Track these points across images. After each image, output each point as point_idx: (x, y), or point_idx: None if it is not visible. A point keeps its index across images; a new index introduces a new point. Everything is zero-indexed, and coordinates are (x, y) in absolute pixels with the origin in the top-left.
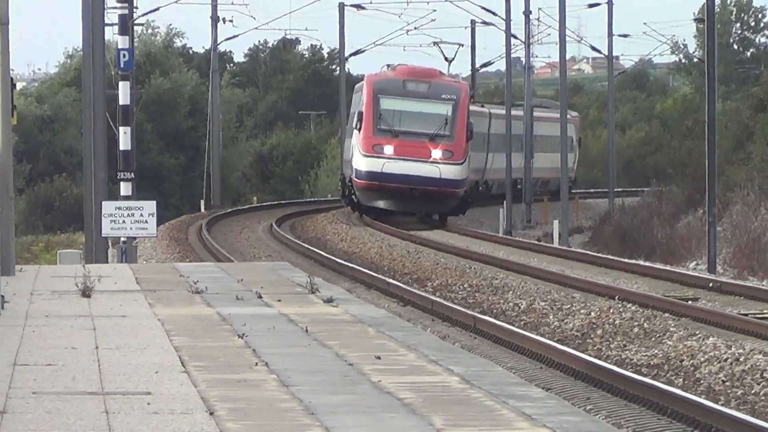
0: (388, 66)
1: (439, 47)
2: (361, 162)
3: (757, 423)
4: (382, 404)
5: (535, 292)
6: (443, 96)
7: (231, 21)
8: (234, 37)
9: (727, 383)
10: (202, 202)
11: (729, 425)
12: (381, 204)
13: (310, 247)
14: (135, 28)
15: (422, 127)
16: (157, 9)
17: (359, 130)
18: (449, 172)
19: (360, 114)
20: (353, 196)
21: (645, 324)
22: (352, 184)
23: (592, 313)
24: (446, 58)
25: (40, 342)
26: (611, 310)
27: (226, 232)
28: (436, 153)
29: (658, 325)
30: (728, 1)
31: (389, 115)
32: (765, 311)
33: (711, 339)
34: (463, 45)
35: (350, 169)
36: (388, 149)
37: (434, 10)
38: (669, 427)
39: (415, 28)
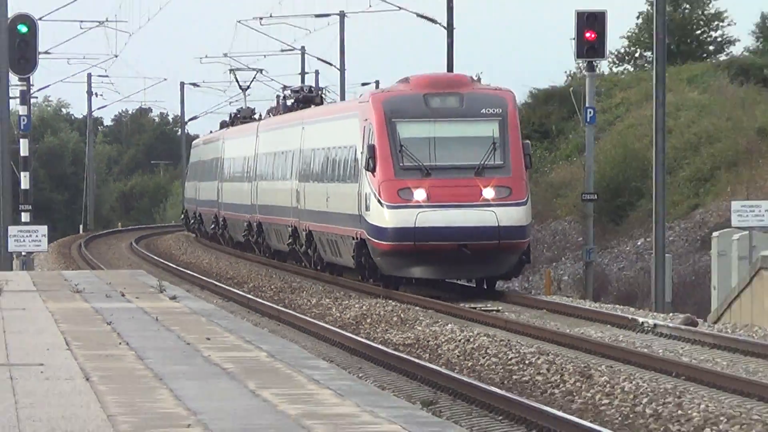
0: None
1: (234, 74)
2: (381, 215)
3: (480, 385)
4: (211, 372)
5: (322, 292)
6: (484, 111)
7: (101, 95)
8: (104, 106)
9: (461, 357)
10: (81, 226)
11: (461, 386)
12: (417, 272)
13: (159, 259)
14: (32, 99)
15: (463, 158)
16: (48, 86)
17: (372, 170)
18: (510, 217)
19: (371, 149)
20: (362, 259)
21: (402, 314)
22: (365, 246)
23: (364, 307)
24: (241, 87)
25: None
26: (377, 305)
27: (99, 248)
28: (489, 192)
29: (411, 315)
30: None
31: (413, 145)
32: (488, 305)
33: (449, 325)
34: (262, 70)
35: (360, 224)
36: (420, 194)
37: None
38: (419, 388)
39: (235, 101)
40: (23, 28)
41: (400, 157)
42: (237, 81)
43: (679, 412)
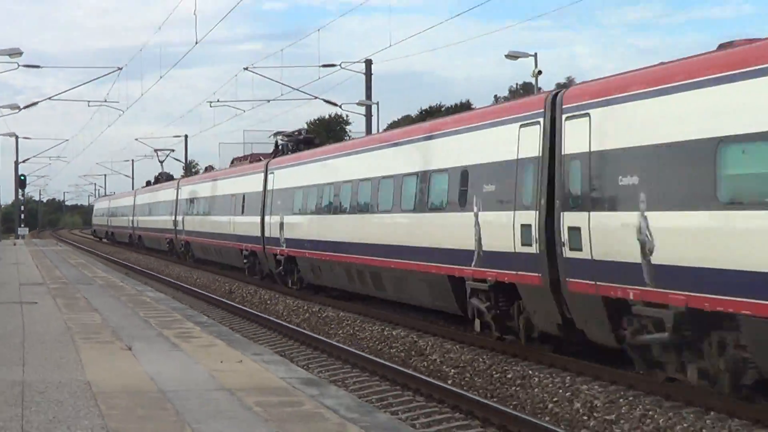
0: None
1: (156, 152)
2: None
3: (139, 268)
4: (72, 265)
5: (100, 242)
6: None
7: (46, 188)
8: (42, 196)
9: (139, 261)
10: (37, 229)
11: (137, 272)
12: None
13: (61, 237)
14: (24, 197)
15: None
16: (27, 192)
17: None
18: None
19: None
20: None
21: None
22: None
23: (135, 255)
24: (160, 161)
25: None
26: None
27: (41, 235)
28: None
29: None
30: None
31: None
32: None
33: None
34: (174, 150)
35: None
36: None
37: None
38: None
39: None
40: (22, 177)
41: None
42: (158, 156)
43: None
